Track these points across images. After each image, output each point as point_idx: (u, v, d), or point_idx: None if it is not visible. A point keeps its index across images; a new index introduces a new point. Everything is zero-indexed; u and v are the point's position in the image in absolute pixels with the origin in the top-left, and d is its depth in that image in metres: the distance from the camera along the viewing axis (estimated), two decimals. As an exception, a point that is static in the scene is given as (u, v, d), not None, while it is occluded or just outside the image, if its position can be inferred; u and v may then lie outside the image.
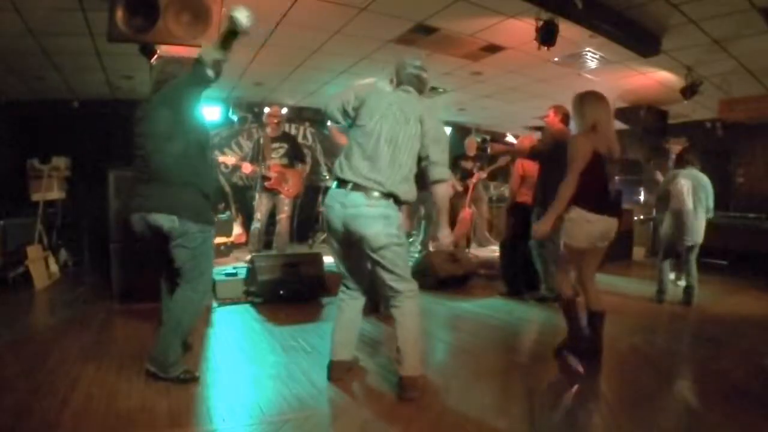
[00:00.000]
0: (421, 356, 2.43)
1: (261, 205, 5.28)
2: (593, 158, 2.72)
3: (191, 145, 2.41)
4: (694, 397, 2.41)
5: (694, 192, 4.39)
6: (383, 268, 2.33)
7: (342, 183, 2.34)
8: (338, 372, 2.53)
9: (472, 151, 6.80)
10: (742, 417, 2.20)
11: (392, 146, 2.30)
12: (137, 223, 2.45)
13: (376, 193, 2.27)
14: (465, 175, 6.54)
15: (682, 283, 4.97)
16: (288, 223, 5.46)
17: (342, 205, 2.30)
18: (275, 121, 5.33)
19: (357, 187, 2.28)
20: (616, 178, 9.29)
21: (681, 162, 4.62)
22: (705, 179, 4.50)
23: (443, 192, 2.38)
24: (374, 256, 2.31)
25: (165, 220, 2.35)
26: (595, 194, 2.76)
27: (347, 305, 2.57)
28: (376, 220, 2.27)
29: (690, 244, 4.44)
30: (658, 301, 4.52)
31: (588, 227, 2.76)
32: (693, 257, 4.50)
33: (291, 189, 5.29)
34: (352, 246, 2.40)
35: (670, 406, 2.38)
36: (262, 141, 5.33)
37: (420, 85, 2.49)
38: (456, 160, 6.77)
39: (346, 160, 2.37)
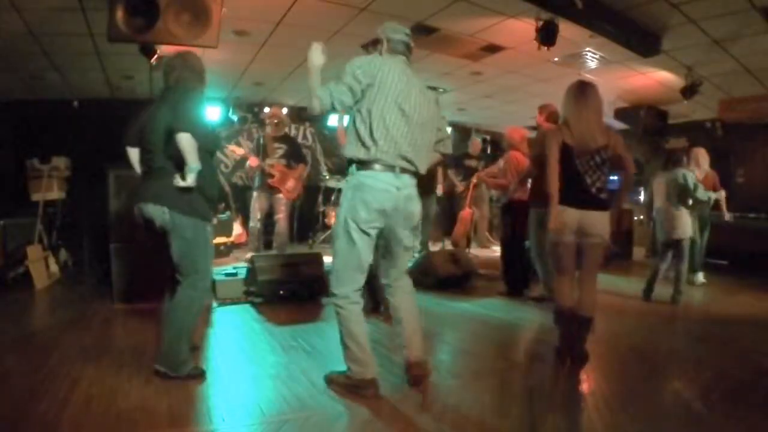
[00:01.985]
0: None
1: (258, 204, 5.36)
2: (562, 151, 2.74)
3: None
4: (694, 397, 2.40)
5: (668, 190, 4.51)
6: (408, 249, 2.47)
7: (388, 167, 2.25)
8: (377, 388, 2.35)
9: (476, 151, 6.81)
10: (742, 417, 2.20)
11: (421, 128, 2.35)
12: (136, 213, 2.50)
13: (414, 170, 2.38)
14: (469, 174, 6.50)
15: (699, 281, 5.06)
16: (286, 223, 5.52)
17: (398, 189, 2.27)
18: (275, 121, 5.36)
19: (404, 170, 2.31)
20: (614, 177, 9.31)
21: (667, 164, 4.65)
22: (681, 175, 4.46)
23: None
24: (410, 234, 2.43)
25: (155, 211, 2.38)
26: (566, 186, 2.75)
27: (359, 315, 2.37)
28: (416, 198, 2.41)
29: (662, 239, 4.56)
30: (643, 298, 4.60)
31: (560, 218, 2.75)
32: (680, 255, 4.50)
33: (291, 190, 5.34)
34: (380, 233, 2.38)
35: (670, 405, 2.38)
36: (263, 140, 5.38)
37: (410, 55, 2.46)
38: (459, 159, 6.76)
39: (379, 139, 2.23)
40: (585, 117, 2.75)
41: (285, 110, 5.68)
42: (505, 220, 4.68)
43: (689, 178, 4.44)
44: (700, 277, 5.42)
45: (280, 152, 5.31)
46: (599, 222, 2.74)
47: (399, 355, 2.47)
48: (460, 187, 6.48)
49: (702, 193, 4.48)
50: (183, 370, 2.44)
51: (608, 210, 2.80)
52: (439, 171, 6.23)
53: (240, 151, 5.63)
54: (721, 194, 5.13)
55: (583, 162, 2.75)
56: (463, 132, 9.23)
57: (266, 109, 5.63)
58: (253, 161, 5.31)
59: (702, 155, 5.02)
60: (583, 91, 2.79)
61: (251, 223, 5.49)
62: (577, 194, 2.75)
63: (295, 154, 5.41)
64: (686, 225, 4.46)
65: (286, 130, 5.92)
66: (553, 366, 2.86)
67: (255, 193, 5.42)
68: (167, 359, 2.43)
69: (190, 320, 2.49)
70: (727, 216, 5.29)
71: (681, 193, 4.44)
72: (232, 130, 7.51)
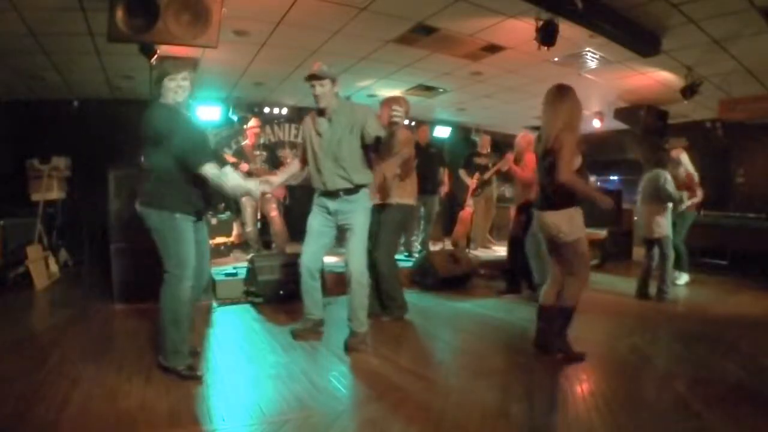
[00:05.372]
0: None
1: (250, 209, 5.61)
2: (537, 160, 3.01)
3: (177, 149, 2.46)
4: (694, 397, 2.40)
5: (644, 190, 4.64)
6: None
7: None
8: None
9: (485, 149, 6.72)
10: (742, 417, 2.20)
11: None
12: None
13: None
14: (481, 172, 6.40)
15: (680, 281, 5.11)
16: (280, 219, 5.75)
17: None
18: (255, 132, 5.76)
19: None
20: (614, 177, 9.31)
21: (658, 163, 4.71)
22: (654, 175, 4.59)
23: None
24: None
25: (136, 204, 2.55)
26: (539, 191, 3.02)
27: None
28: None
29: (642, 237, 4.67)
30: (637, 297, 4.70)
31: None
32: (657, 253, 4.61)
33: (277, 189, 5.54)
34: None
35: (670, 406, 2.38)
36: (243, 149, 5.75)
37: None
38: (469, 158, 6.68)
39: None
40: (544, 122, 2.86)
41: (253, 122, 5.93)
42: (521, 218, 4.67)
43: (661, 176, 4.52)
44: (684, 277, 5.41)
45: (261, 158, 5.69)
46: (551, 221, 2.86)
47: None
48: (473, 184, 6.29)
49: (674, 191, 4.52)
50: (175, 362, 2.49)
51: (559, 210, 2.84)
52: (441, 172, 6.19)
53: (231, 159, 5.77)
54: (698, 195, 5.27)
55: (540, 166, 2.94)
56: (463, 132, 9.23)
57: (250, 122, 5.92)
58: (243, 167, 5.49)
59: (682, 156, 5.07)
60: (548, 96, 2.86)
61: (248, 228, 5.69)
62: (538, 197, 3.03)
63: (274, 159, 5.86)
64: (661, 225, 4.53)
65: (263, 139, 6.50)
66: (554, 366, 2.87)
67: (243, 199, 5.57)
68: (161, 347, 2.54)
69: (173, 310, 2.49)
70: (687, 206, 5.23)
71: (656, 192, 4.52)
72: (232, 130, 7.50)
